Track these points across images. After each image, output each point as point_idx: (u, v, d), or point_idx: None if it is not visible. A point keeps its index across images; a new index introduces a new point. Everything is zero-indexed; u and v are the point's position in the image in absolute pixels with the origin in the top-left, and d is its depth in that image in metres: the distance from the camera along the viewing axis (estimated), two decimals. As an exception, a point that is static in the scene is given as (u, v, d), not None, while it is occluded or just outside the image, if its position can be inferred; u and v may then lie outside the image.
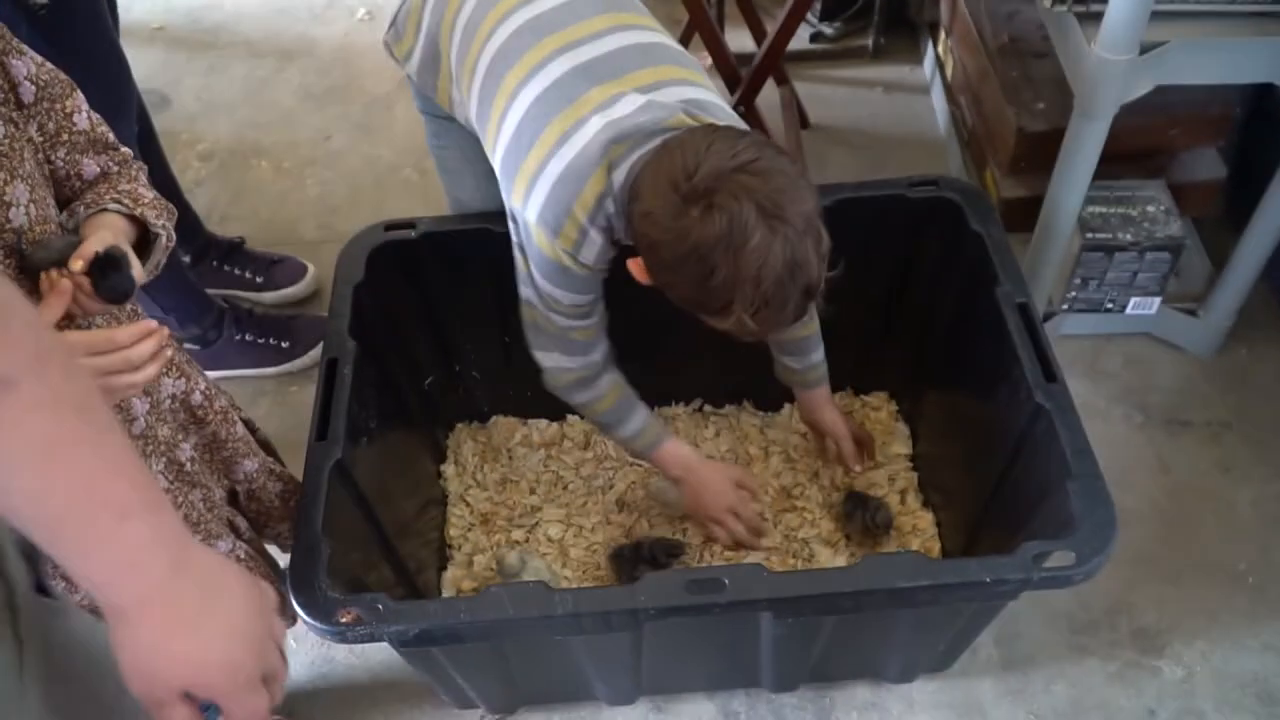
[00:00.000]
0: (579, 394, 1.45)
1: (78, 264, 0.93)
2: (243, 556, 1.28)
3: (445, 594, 1.62)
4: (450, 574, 1.65)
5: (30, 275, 0.96)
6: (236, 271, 2.14)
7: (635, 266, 1.20)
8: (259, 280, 2.15)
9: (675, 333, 1.38)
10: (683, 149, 1.12)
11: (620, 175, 1.18)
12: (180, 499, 1.17)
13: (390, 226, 1.53)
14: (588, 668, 1.42)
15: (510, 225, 1.33)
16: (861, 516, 1.64)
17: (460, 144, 1.48)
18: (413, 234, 1.52)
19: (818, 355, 1.58)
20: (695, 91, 1.26)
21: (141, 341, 0.94)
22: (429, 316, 1.63)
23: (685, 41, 2.46)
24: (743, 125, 1.23)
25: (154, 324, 0.97)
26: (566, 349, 1.39)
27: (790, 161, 1.13)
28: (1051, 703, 1.57)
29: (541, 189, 1.22)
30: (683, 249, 1.10)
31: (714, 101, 1.28)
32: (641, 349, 1.54)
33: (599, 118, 1.20)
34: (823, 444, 1.73)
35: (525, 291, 1.35)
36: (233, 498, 1.34)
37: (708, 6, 2.14)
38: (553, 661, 1.41)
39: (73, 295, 0.94)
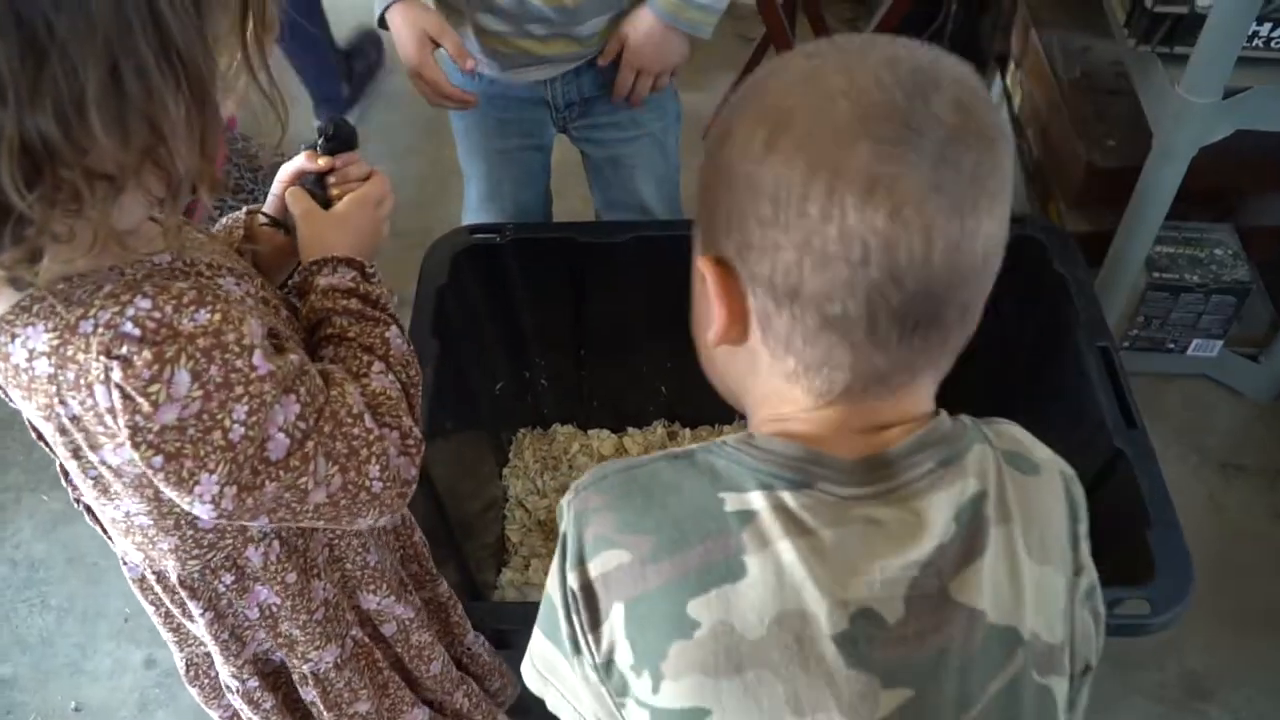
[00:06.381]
0: None
1: (324, 161, 1.01)
2: None
3: (501, 594, 1.65)
4: (507, 575, 1.67)
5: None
6: None
7: None
8: None
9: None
10: None
11: None
12: None
13: (475, 230, 1.55)
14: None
15: None
16: None
17: None
18: (498, 239, 1.53)
19: None
20: None
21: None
22: (507, 322, 1.65)
23: (758, 56, 2.48)
24: None
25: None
26: None
27: None
28: (1097, 740, 1.58)
29: None
30: None
31: None
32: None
33: None
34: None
35: None
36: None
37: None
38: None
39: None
